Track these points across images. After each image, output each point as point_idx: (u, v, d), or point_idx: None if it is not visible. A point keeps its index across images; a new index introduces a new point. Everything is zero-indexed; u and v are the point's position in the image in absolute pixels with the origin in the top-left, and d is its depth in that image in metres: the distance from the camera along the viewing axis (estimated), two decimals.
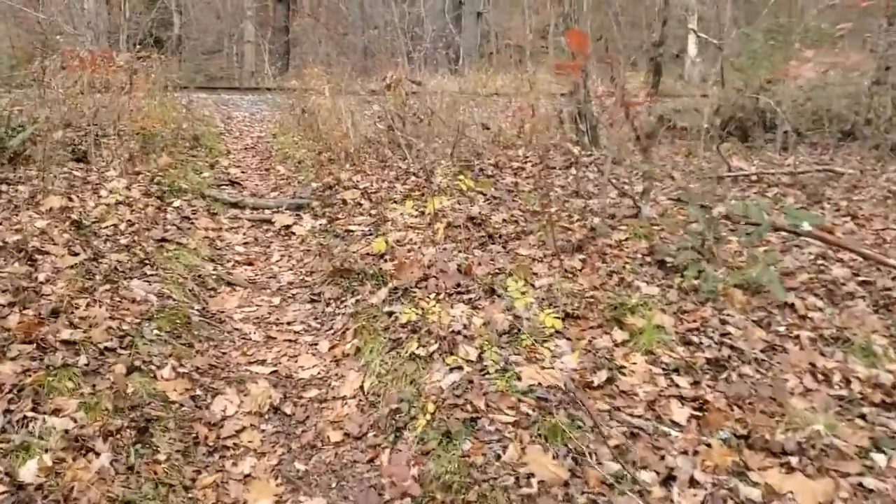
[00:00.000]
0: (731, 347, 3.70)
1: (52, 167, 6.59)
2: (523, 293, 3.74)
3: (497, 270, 4.56)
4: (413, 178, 6.99)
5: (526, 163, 8.01)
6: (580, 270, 4.60)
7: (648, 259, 4.85)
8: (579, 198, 6.65)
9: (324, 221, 5.97)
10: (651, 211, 5.67)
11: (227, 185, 7.35)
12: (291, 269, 5.29)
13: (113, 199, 5.59)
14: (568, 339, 3.72)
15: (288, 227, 6.04)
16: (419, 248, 5.09)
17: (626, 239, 5.24)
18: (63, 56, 9.95)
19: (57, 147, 7.14)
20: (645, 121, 5.74)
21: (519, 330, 3.74)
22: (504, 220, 5.72)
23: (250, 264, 5.36)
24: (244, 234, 5.98)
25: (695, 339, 3.76)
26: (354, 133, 8.67)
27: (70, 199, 5.77)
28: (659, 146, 9.25)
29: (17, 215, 5.17)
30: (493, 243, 5.27)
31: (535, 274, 4.56)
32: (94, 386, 3.41)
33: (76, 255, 4.75)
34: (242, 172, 8.17)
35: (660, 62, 5.44)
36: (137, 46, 23.04)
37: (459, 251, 4.98)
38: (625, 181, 6.94)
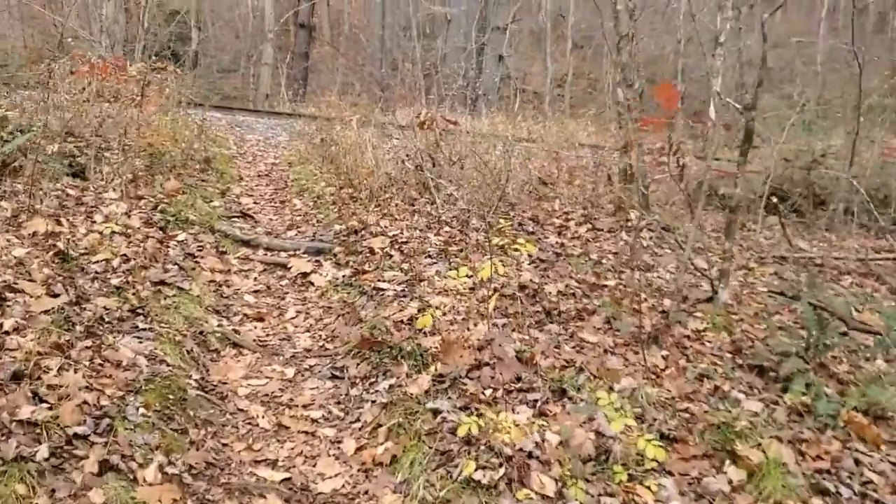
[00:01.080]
0: (877, 503, 2.85)
1: (43, 182, 5.74)
2: (611, 404, 2.89)
3: (565, 363, 3.71)
4: (447, 228, 6.17)
5: (568, 220, 7.20)
6: (663, 371, 3.75)
7: (739, 361, 4.00)
8: (636, 269, 5.84)
9: (347, 272, 5.11)
10: (727, 295, 4.85)
11: (238, 217, 6.49)
12: (309, 331, 4.41)
13: (108, 227, 4.72)
14: (670, 473, 2.85)
15: (306, 275, 5.17)
16: (464, 320, 4.23)
17: (704, 329, 4.41)
18: (73, 60, 9.17)
19: (52, 159, 6.30)
20: (734, 194, 4.93)
21: (608, 456, 2.87)
22: (560, 293, 4.87)
23: (261, 320, 4.48)
24: (255, 279, 5.12)
25: (829, 485, 2.90)
26: (378, 170, 7.87)
27: (58, 223, 4.90)
28: (705, 215, 8.49)
29: None
30: (551, 321, 4.43)
31: (609, 369, 3.70)
32: (53, 493, 2.53)
33: (56, 296, 3.88)
34: (255, 203, 7.32)
35: (751, 127, 4.64)
36: (153, 58, 22.26)
37: (513, 329, 4.13)
38: (691, 255, 6.12)
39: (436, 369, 3.59)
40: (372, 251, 5.35)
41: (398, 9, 24.60)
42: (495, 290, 4.37)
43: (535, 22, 26.41)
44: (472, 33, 22.29)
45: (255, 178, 8.84)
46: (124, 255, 4.61)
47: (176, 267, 4.74)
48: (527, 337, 4.14)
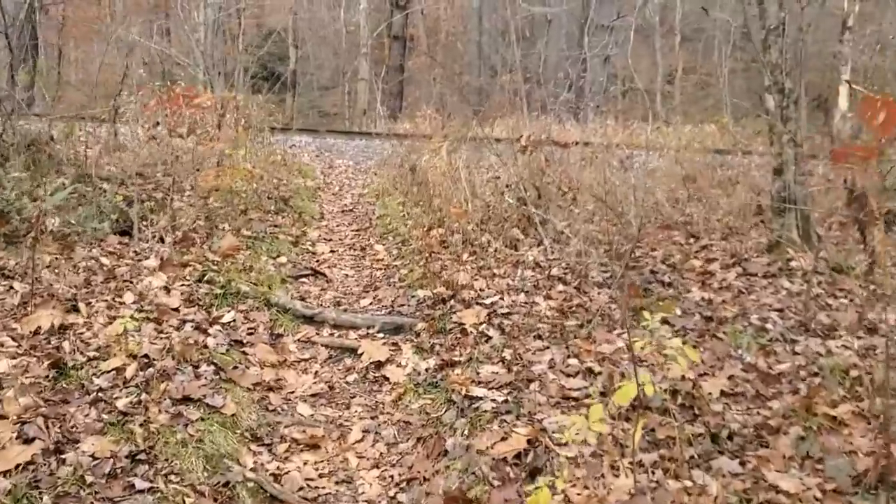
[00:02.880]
0: None
1: (77, 248, 4.77)
2: None
3: None
4: (560, 286, 4.80)
5: (710, 259, 5.68)
6: None
7: None
8: (810, 334, 4.32)
9: (432, 363, 3.83)
10: None
11: (308, 275, 5.34)
12: (377, 467, 3.15)
13: (127, 322, 3.61)
14: None
15: (380, 365, 3.93)
16: (596, 455, 2.87)
17: None
18: (143, 93, 8.37)
19: (94, 216, 5.36)
20: None
21: None
22: (724, 393, 3.43)
23: (315, 447, 3.26)
24: (316, 374, 3.91)
25: None
26: (473, 203, 6.59)
27: (74, 310, 3.88)
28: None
29: None
30: (718, 449, 3.00)
31: None
32: None
33: (29, 441, 2.79)
34: (332, 251, 6.18)
35: None
36: (252, 80, 21.78)
37: (669, 473, 2.74)
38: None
39: None
40: (464, 331, 4.05)
41: (495, 12, 23.29)
42: (638, 408, 2.98)
43: (642, 17, 24.48)
44: (575, 33, 20.71)
45: (338, 216, 7.73)
46: (145, 357, 3.51)
47: (212, 369, 3.59)
48: (689, 484, 2.74)
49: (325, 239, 6.59)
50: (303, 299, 4.71)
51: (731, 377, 3.67)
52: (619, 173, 8.97)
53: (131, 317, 3.73)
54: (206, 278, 4.52)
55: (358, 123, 20.56)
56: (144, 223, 5.75)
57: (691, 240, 6.69)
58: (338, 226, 7.22)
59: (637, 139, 13.52)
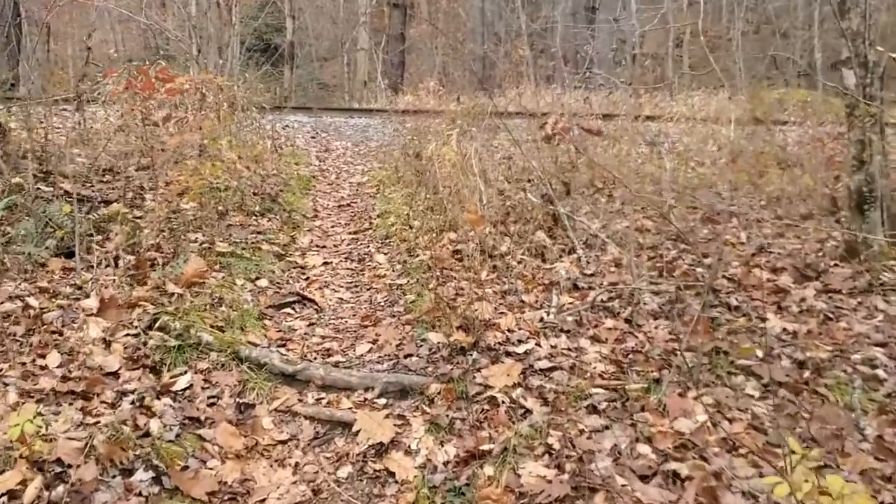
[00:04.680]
0: None
1: (2, 282, 3.68)
2: None
3: None
4: (608, 321, 3.70)
5: (777, 270, 4.57)
6: None
7: None
8: None
9: (453, 452, 2.75)
10: None
11: (294, 301, 4.24)
12: None
13: (30, 422, 2.52)
14: None
15: (381, 451, 2.85)
16: None
17: None
18: (108, 77, 7.19)
19: (31, 236, 4.26)
20: None
21: None
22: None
23: None
24: (295, 469, 2.82)
25: None
26: (489, 200, 5.48)
27: None
28: None
29: None
30: None
31: None
32: None
33: None
34: (324, 264, 5.07)
35: None
36: (247, 53, 20.36)
37: None
38: None
39: None
40: (492, 399, 2.96)
41: None
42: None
43: None
44: None
45: (334, 212, 6.61)
46: (58, 463, 2.44)
47: (151, 475, 2.52)
48: None
49: (317, 246, 5.48)
50: (284, 345, 3.61)
51: (856, 463, 2.60)
52: (647, 154, 7.85)
53: (51, 391, 2.65)
54: (158, 324, 3.43)
55: (358, 96, 19.29)
56: (99, 237, 4.65)
57: (742, 237, 5.59)
58: (333, 226, 6.10)
59: (656, 110, 12.31)
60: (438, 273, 4.41)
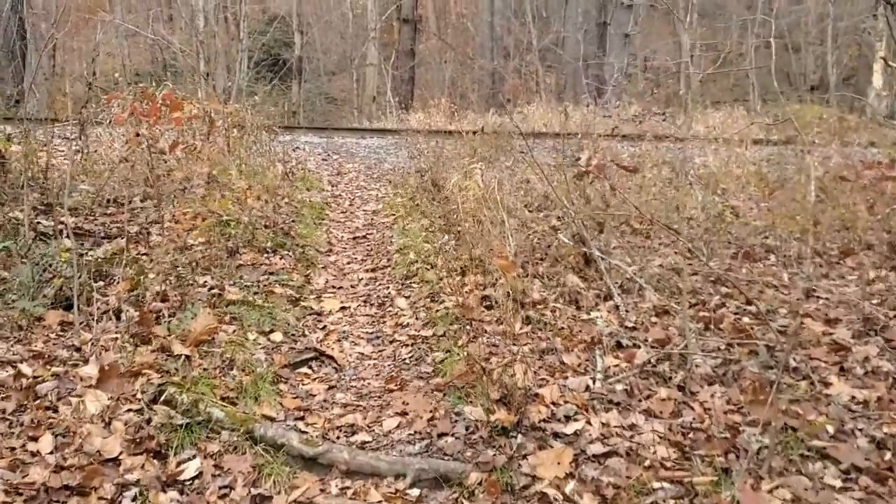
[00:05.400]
0: None
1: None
2: None
3: None
4: (661, 388, 3.31)
5: (830, 321, 4.17)
6: None
7: None
8: None
9: None
10: None
11: (310, 359, 3.86)
12: None
13: None
14: None
15: None
16: None
17: None
18: (109, 104, 6.85)
19: (25, 288, 3.89)
20: None
21: None
22: None
23: None
24: None
25: None
26: (516, 238, 5.11)
27: None
28: None
29: None
30: None
31: None
32: None
33: None
34: (342, 309, 4.69)
35: None
36: (255, 67, 20.02)
37: None
38: None
39: None
40: (543, 498, 2.57)
41: None
42: None
43: None
44: (593, 12, 18.92)
45: (349, 246, 6.24)
46: None
47: None
48: None
49: (333, 287, 5.10)
50: (301, 417, 3.22)
51: None
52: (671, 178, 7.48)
53: (43, 487, 2.27)
54: (164, 396, 3.05)
55: (367, 111, 18.99)
56: (101, 283, 4.29)
57: (784, 277, 5.20)
58: (349, 262, 5.73)
59: (670, 129, 11.91)
60: (468, 325, 4.03)
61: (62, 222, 5.70)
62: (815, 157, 8.40)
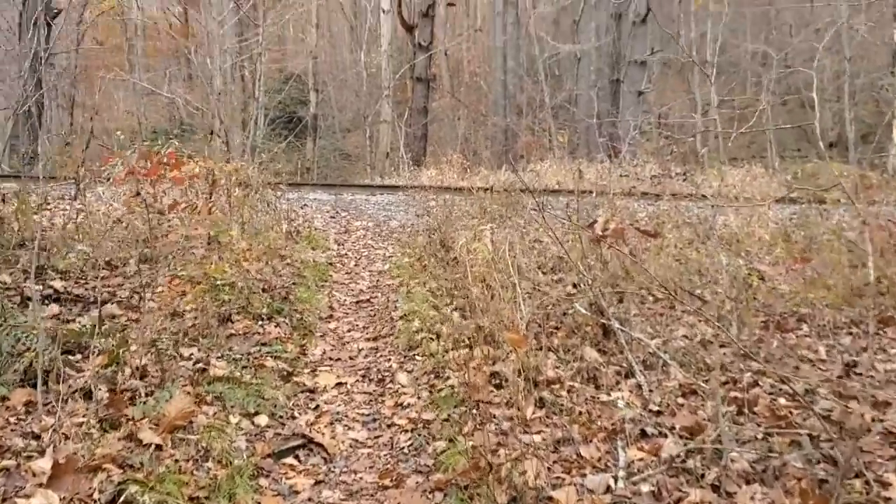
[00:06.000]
0: None
1: None
2: None
3: None
4: (694, 489, 2.86)
5: (880, 404, 3.72)
6: None
7: None
8: None
9: None
10: None
11: (297, 447, 3.44)
12: None
13: None
14: None
15: None
16: None
17: None
18: (104, 163, 6.62)
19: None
20: None
21: None
22: None
23: None
24: None
25: None
26: (528, 304, 4.72)
27: None
28: None
29: None
30: None
31: None
32: None
33: None
34: (338, 385, 4.28)
35: None
36: (271, 124, 19.99)
37: None
38: None
39: None
40: None
41: (520, 51, 21.55)
42: None
43: (675, 51, 22.56)
44: (606, 70, 18.85)
45: (351, 311, 5.86)
46: None
47: None
48: None
49: (330, 359, 4.71)
50: None
51: None
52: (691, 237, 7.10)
53: None
54: (123, 496, 2.64)
55: (380, 167, 18.86)
56: (79, 356, 3.93)
57: (822, 351, 4.76)
58: (349, 330, 5.34)
59: (689, 188, 11.55)
60: (474, 409, 3.61)
61: (51, 286, 5.41)
62: (844, 218, 8.01)
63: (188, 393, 3.52)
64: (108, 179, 6.90)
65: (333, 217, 9.46)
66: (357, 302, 6.10)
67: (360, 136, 23.30)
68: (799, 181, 10.26)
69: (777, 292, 5.95)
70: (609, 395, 3.94)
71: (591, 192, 7.88)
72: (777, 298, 5.82)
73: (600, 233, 4.27)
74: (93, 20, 16.81)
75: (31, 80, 12.90)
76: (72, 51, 15.35)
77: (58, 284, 5.30)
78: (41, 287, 5.25)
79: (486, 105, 22.69)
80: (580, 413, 3.67)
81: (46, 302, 5.04)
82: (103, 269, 5.82)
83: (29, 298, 5.05)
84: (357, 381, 4.33)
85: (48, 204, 7.51)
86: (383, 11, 19.32)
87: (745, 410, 3.74)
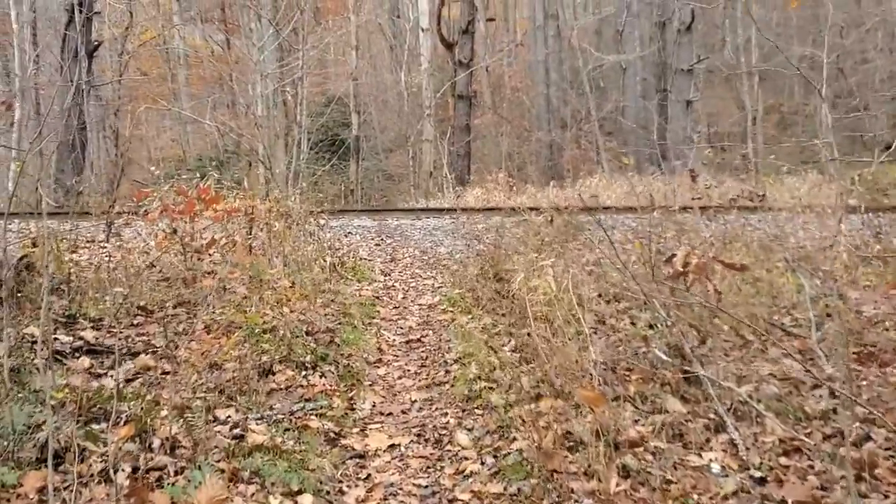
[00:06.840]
0: None
1: None
2: None
3: None
4: None
5: None
6: None
7: None
8: None
9: None
10: None
11: None
12: None
13: None
14: None
15: None
16: None
17: None
18: (139, 199, 6.29)
19: (9, 436, 3.14)
20: None
21: None
22: None
23: None
24: None
25: None
26: (595, 347, 4.17)
27: None
28: None
29: None
30: None
31: None
32: None
33: None
34: (390, 448, 3.78)
35: None
36: (314, 148, 19.73)
37: None
38: None
39: None
40: None
41: (563, 63, 20.98)
42: None
43: (721, 58, 21.72)
44: (651, 80, 18.17)
45: (401, 354, 5.38)
46: None
47: None
48: None
49: (380, 413, 4.21)
50: None
51: None
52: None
53: None
54: None
55: (424, 187, 18.46)
56: (102, 426, 3.51)
57: None
58: (400, 377, 4.85)
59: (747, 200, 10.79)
60: (548, 479, 3.07)
61: (82, 336, 5.05)
62: None
63: (222, 471, 3.06)
64: (145, 214, 6.57)
65: (378, 245, 9.02)
66: (407, 342, 5.61)
67: (403, 156, 22.98)
68: (859, 187, 9.43)
69: (865, 318, 5.28)
70: (700, 455, 3.38)
71: (652, 208, 7.25)
72: (868, 326, 5.15)
73: (680, 268, 3.70)
74: (134, 50, 16.82)
75: (73, 113, 12.85)
76: (115, 81, 15.36)
77: (89, 335, 4.93)
78: (71, 339, 4.90)
79: (530, 120, 22.16)
80: (671, 482, 3.11)
81: (77, 355, 4.68)
82: (138, 314, 5.46)
83: (60, 353, 4.70)
84: (412, 441, 3.83)
85: (86, 243, 7.24)
86: (423, 30, 19.00)
87: (865, 474, 3.13)
